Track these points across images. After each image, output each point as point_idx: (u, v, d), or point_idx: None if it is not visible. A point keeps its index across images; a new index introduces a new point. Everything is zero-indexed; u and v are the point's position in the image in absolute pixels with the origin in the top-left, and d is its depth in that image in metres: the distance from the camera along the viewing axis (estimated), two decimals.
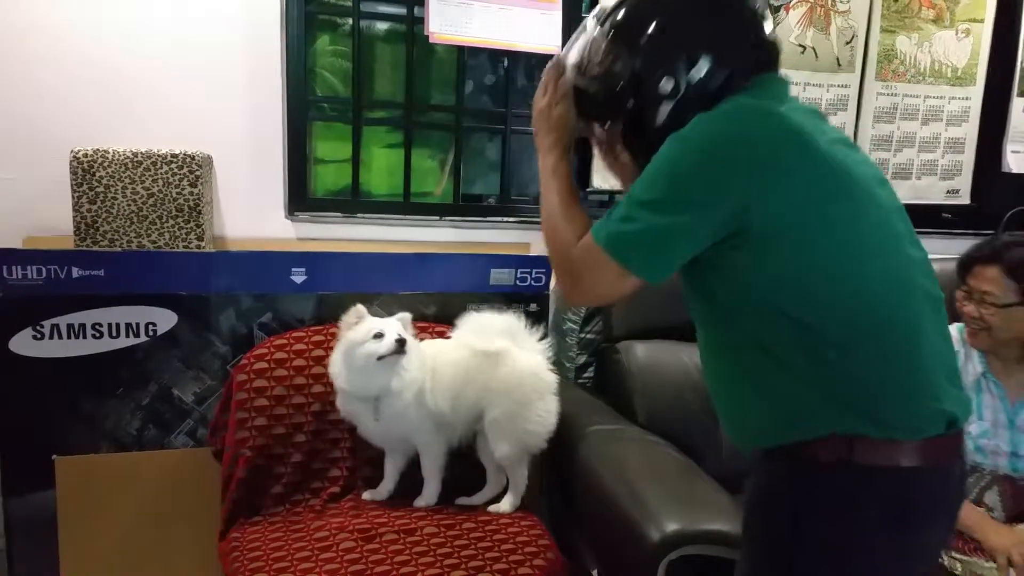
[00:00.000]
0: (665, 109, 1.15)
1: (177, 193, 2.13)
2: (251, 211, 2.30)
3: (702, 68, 1.13)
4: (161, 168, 2.11)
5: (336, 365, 1.90)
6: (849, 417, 1.05)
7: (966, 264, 1.92)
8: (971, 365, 1.94)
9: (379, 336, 1.86)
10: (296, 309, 2.15)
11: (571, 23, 2.38)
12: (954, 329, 1.92)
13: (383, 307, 2.25)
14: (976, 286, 1.87)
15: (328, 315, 2.18)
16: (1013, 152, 2.75)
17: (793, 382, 1.07)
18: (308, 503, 1.99)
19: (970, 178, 2.75)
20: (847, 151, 1.11)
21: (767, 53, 1.18)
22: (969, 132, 2.72)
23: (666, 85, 1.14)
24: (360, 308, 1.92)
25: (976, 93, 2.70)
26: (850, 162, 1.09)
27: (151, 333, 2.03)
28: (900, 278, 1.08)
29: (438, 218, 2.42)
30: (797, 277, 1.05)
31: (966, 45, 2.65)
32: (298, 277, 2.14)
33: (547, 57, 2.39)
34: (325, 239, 2.35)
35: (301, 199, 2.34)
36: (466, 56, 2.43)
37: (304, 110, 2.30)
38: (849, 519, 1.06)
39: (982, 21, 2.65)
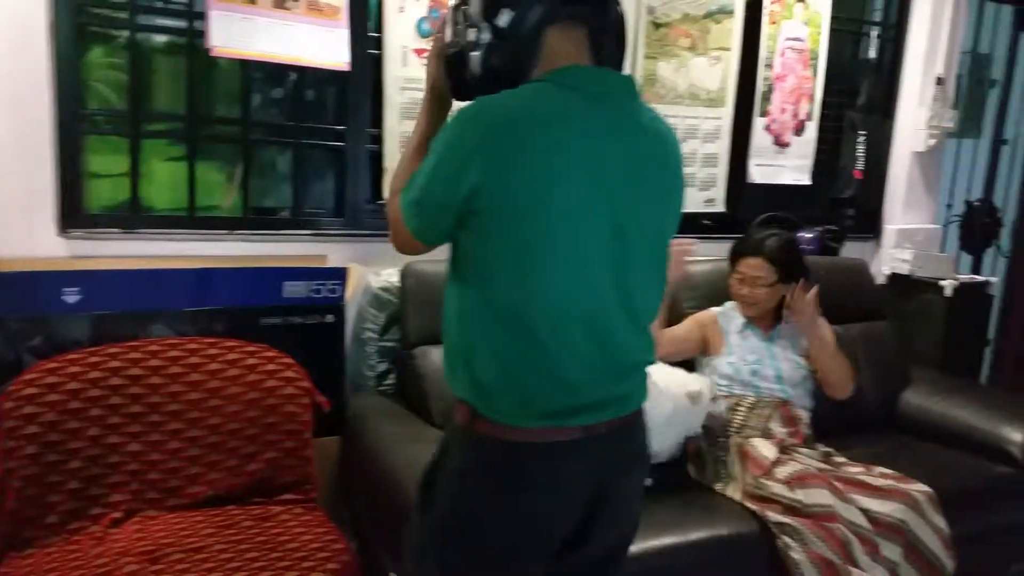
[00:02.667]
0: (475, 58, 1.24)
1: None
2: (19, 230, 2.17)
3: (503, 17, 1.21)
4: None
5: None
6: (477, 392, 1.22)
7: (735, 256, 2.52)
8: (734, 322, 2.54)
9: None
10: (70, 331, 2.06)
11: (358, 39, 2.44)
12: (724, 305, 2.61)
13: (167, 325, 2.20)
14: (748, 273, 2.44)
15: (107, 336, 2.11)
16: (756, 165, 3.11)
17: (465, 343, 1.24)
18: (88, 530, 1.92)
19: (724, 189, 3.09)
20: (595, 152, 1.18)
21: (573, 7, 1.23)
22: (722, 148, 3.05)
23: (477, 33, 1.23)
24: None
25: (727, 113, 3.03)
26: (573, 169, 1.16)
27: None
28: (560, 302, 1.19)
29: (227, 232, 2.40)
30: (489, 262, 1.20)
31: (717, 70, 2.98)
32: (71, 297, 2.06)
33: (335, 73, 2.46)
34: (104, 256, 2.26)
35: (75, 215, 2.24)
36: (252, 70, 2.42)
37: (76, 124, 2.20)
38: (468, 481, 1.24)
39: (729, 49, 2.99)
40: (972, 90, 4.13)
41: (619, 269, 1.23)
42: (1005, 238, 3.99)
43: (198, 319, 2.22)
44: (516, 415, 1.21)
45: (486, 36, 1.22)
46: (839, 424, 2.82)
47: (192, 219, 2.39)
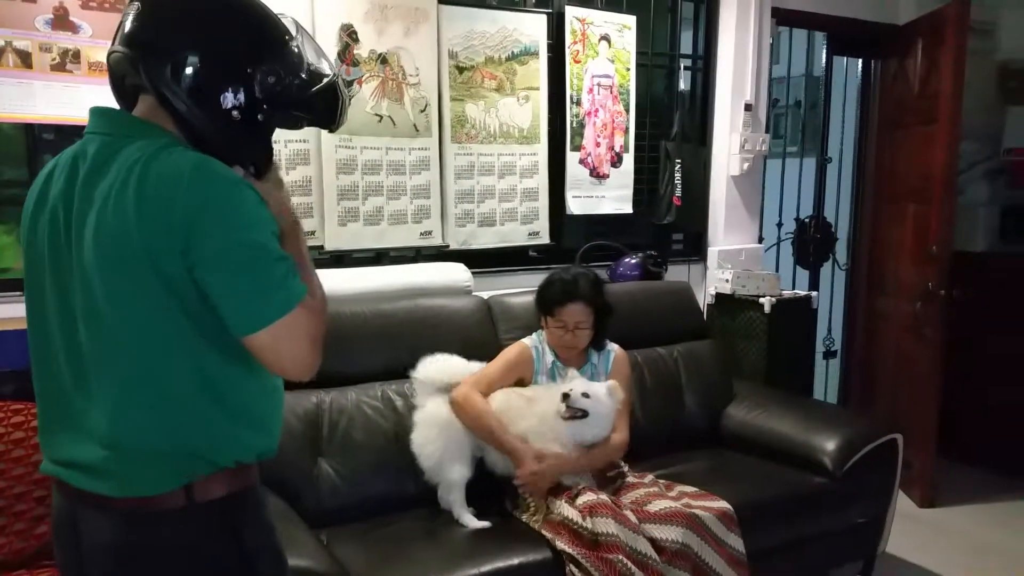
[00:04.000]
0: None
1: None
2: None
3: None
4: None
5: None
6: None
7: (551, 306, 2.45)
8: (544, 360, 2.53)
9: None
10: None
11: None
12: (534, 337, 2.58)
13: None
14: (570, 320, 2.43)
15: None
16: (574, 197, 3.22)
17: None
18: None
19: (547, 221, 3.19)
20: (53, 215, 1.17)
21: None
22: (541, 182, 3.16)
23: None
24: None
25: (542, 149, 3.14)
26: (39, 229, 1.19)
27: None
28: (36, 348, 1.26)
29: (20, 293, 2.38)
30: None
31: (527, 109, 3.09)
32: None
33: None
34: None
35: None
36: (41, 131, 2.44)
37: None
38: None
39: (538, 89, 3.10)
40: (807, 112, 4.36)
41: (68, 333, 1.17)
42: (841, 252, 4.19)
43: None
44: None
45: None
46: (664, 442, 2.93)
47: None
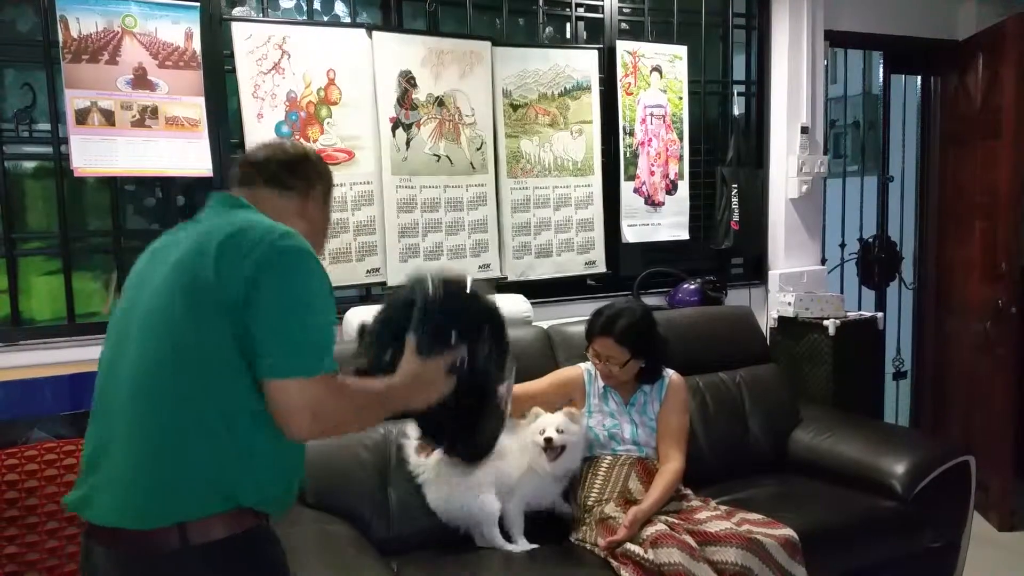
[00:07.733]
0: None
1: None
2: None
3: None
4: None
5: None
6: None
7: (588, 335, 2.53)
8: (597, 384, 2.58)
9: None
10: None
11: (220, 148, 2.63)
12: (588, 365, 2.62)
13: (46, 429, 2.33)
14: (601, 352, 2.48)
15: None
16: (629, 226, 3.26)
17: None
18: None
19: (603, 250, 3.24)
20: (150, 261, 1.35)
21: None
22: (595, 212, 3.21)
23: None
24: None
25: (596, 181, 3.20)
26: (136, 272, 1.38)
27: None
28: (106, 375, 1.32)
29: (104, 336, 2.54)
30: None
31: (581, 142, 3.15)
32: None
33: (201, 180, 2.63)
34: None
35: None
36: (123, 183, 2.61)
37: None
38: None
39: (591, 122, 3.17)
40: (866, 131, 4.31)
41: (115, 361, 1.31)
42: (908, 271, 4.10)
43: (76, 421, 2.35)
44: None
45: None
46: (729, 468, 2.91)
47: (72, 327, 2.54)
